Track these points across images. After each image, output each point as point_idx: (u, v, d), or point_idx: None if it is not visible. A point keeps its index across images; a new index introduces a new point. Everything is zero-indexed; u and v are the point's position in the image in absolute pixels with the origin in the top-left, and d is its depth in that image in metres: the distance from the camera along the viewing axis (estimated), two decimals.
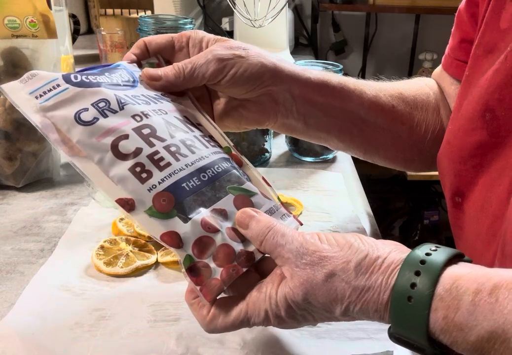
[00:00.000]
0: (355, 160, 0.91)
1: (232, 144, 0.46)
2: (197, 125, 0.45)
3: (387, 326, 0.35)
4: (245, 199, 0.41)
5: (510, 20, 0.44)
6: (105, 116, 0.40)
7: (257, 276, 0.40)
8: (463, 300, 0.30)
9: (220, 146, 0.45)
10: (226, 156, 0.44)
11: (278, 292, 0.37)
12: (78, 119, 0.39)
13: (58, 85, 0.41)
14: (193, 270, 0.38)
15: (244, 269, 0.39)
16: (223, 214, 0.40)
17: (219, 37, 0.50)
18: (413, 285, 0.32)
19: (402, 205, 2.12)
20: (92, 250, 0.56)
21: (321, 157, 0.86)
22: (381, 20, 1.95)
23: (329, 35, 1.99)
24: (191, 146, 0.41)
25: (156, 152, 0.39)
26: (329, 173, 0.81)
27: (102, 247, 0.56)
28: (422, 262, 0.33)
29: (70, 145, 0.39)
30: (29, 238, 0.61)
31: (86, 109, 0.40)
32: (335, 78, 0.55)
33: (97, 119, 0.40)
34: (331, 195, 0.73)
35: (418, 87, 0.62)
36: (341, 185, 0.77)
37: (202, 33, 0.50)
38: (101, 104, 0.40)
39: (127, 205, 0.38)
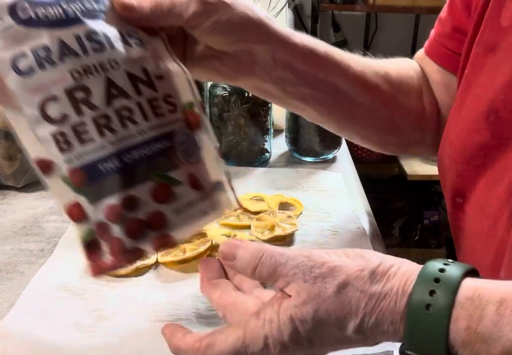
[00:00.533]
0: (355, 160, 0.91)
1: (199, 99, 0.40)
2: (156, 79, 0.39)
3: None
4: (165, 189, 0.37)
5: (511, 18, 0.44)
6: (43, 67, 0.36)
7: (258, 303, 0.37)
8: (487, 309, 0.29)
9: (174, 108, 0.39)
10: (167, 129, 0.38)
11: (280, 315, 0.33)
12: (14, 67, 0.35)
13: (1, 19, 0.36)
14: (90, 246, 0.37)
15: (131, 264, 0.38)
16: (135, 202, 0.36)
17: None
18: (432, 292, 0.30)
19: (402, 205, 2.12)
20: None
21: (321, 157, 0.86)
22: (381, 20, 1.95)
23: (329, 35, 1.99)
24: (126, 118, 0.36)
25: (82, 123, 0.35)
26: (329, 173, 0.81)
27: None
28: (441, 270, 0.31)
29: (5, 91, 0.36)
30: (29, 238, 0.61)
31: (25, 56, 0.36)
32: (322, 47, 0.52)
33: (33, 71, 0.35)
34: (331, 195, 0.73)
35: (403, 68, 0.60)
36: (341, 185, 0.77)
37: None
38: (41, 53, 0.36)
39: (46, 167, 0.36)
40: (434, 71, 0.59)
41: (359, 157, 1.57)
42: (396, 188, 2.07)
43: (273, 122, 0.86)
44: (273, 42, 0.47)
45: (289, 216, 0.64)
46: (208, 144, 0.40)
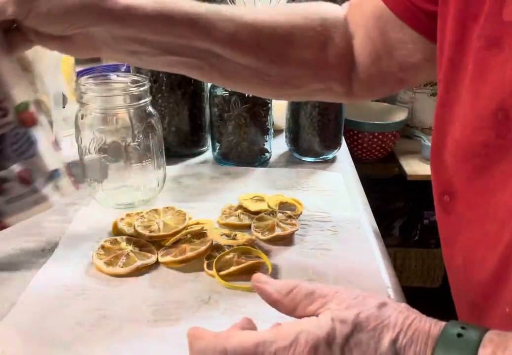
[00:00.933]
0: (355, 160, 0.92)
1: (35, 97, 0.44)
2: None
3: None
4: None
5: None
6: None
7: None
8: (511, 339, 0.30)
9: (5, 112, 0.42)
10: None
11: (320, 316, 0.33)
12: None
13: None
14: None
15: None
16: None
17: None
18: (459, 335, 0.32)
19: (402, 205, 2.12)
20: (92, 250, 0.56)
21: (321, 157, 0.86)
22: None
23: None
24: None
25: None
26: (329, 173, 0.81)
27: (102, 247, 0.56)
28: (463, 328, 0.32)
29: None
30: (30, 238, 0.61)
31: None
32: (184, 10, 0.48)
33: None
34: (331, 195, 0.73)
35: (302, 19, 0.55)
36: (341, 185, 0.77)
37: None
38: None
39: None
40: (396, 27, 0.53)
41: (359, 157, 1.57)
42: (396, 188, 2.07)
43: (273, 122, 0.87)
44: (106, 21, 0.46)
45: (289, 216, 0.64)
46: (44, 138, 0.44)
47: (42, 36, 0.47)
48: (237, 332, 0.34)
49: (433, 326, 0.32)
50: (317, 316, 0.34)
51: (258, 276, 0.38)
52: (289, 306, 0.35)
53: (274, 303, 0.36)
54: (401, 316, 0.33)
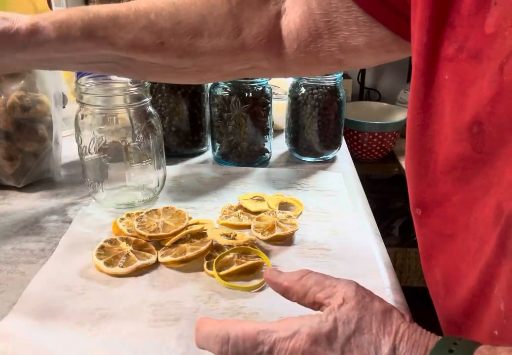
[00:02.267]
0: (355, 160, 0.92)
1: None
2: None
3: None
4: None
5: (496, 25, 0.41)
6: None
7: None
8: (500, 353, 0.31)
9: None
10: None
11: (324, 314, 0.34)
12: None
13: None
14: None
15: None
16: None
17: None
18: (451, 351, 0.32)
19: (402, 205, 2.12)
20: (92, 250, 0.56)
21: (321, 157, 0.86)
22: None
23: None
24: None
25: None
26: (329, 173, 0.82)
27: (102, 247, 0.56)
28: (455, 343, 0.33)
29: None
30: (30, 238, 0.61)
31: None
32: (80, 22, 0.46)
33: None
34: (331, 195, 0.73)
35: (212, 7, 0.52)
36: (341, 185, 0.77)
37: None
38: None
39: None
40: (344, 9, 0.51)
41: (359, 157, 1.57)
42: (396, 188, 2.07)
43: (273, 122, 0.87)
44: (8, 51, 0.46)
45: (289, 216, 0.64)
46: None
47: None
48: (241, 320, 0.35)
49: (431, 339, 0.33)
50: (322, 310, 0.34)
51: (269, 270, 0.39)
52: (300, 292, 0.36)
53: (286, 291, 0.37)
54: (404, 326, 0.33)
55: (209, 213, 0.67)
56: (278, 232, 0.60)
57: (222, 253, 0.55)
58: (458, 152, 0.43)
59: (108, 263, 0.54)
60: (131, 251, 0.56)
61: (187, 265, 0.55)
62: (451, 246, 0.45)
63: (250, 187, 0.75)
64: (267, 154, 0.85)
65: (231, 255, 0.55)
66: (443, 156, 0.45)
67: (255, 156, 0.83)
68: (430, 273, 0.49)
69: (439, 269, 0.47)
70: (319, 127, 0.84)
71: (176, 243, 0.58)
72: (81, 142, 0.65)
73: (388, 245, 0.64)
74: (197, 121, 0.86)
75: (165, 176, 0.72)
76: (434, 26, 0.44)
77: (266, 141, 0.84)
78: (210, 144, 0.86)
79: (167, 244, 0.58)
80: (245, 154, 0.82)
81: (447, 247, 0.46)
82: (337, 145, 0.87)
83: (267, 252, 0.58)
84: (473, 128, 0.42)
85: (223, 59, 0.53)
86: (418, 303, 0.79)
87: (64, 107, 0.82)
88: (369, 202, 0.74)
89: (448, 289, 0.45)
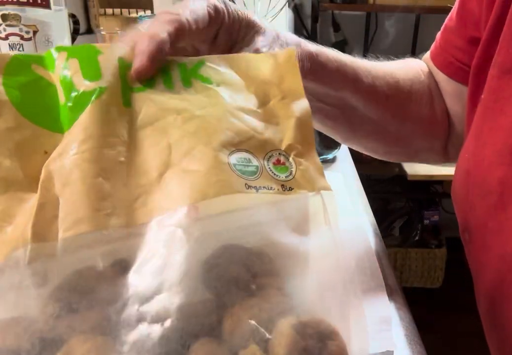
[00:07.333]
0: (355, 160, 0.91)
1: None
2: None
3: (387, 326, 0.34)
4: None
5: None
6: None
7: None
8: None
9: None
10: None
11: None
12: None
13: None
14: None
15: None
16: None
17: None
18: None
19: (402, 205, 2.12)
20: None
21: (321, 157, 0.86)
22: (381, 20, 1.94)
23: (329, 35, 1.99)
24: None
25: None
26: (329, 173, 0.81)
27: None
28: None
29: None
30: None
31: None
32: (336, 61, 0.47)
33: None
34: None
35: (414, 74, 0.55)
36: (341, 185, 0.77)
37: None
38: None
39: None
40: (444, 81, 0.54)
41: (359, 157, 1.57)
42: (396, 188, 2.07)
43: None
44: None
45: None
46: None
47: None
48: None
49: None
50: None
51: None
52: None
53: None
54: None
55: None
56: None
57: None
58: (498, 176, 0.40)
59: None
60: None
61: None
62: (485, 276, 0.43)
63: None
64: None
65: None
66: (480, 178, 0.42)
67: None
68: (478, 301, 0.47)
69: (482, 298, 0.45)
70: None
71: None
72: None
73: (388, 245, 0.64)
74: None
75: None
76: (487, 45, 0.45)
77: None
78: None
79: None
80: None
81: (484, 277, 0.43)
82: (337, 145, 0.87)
83: None
84: None
85: (420, 129, 0.55)
86: (418, 303, 0.79)
87: None
88: (369, 202, 0.74)
89: (493, 321, 0.43)
